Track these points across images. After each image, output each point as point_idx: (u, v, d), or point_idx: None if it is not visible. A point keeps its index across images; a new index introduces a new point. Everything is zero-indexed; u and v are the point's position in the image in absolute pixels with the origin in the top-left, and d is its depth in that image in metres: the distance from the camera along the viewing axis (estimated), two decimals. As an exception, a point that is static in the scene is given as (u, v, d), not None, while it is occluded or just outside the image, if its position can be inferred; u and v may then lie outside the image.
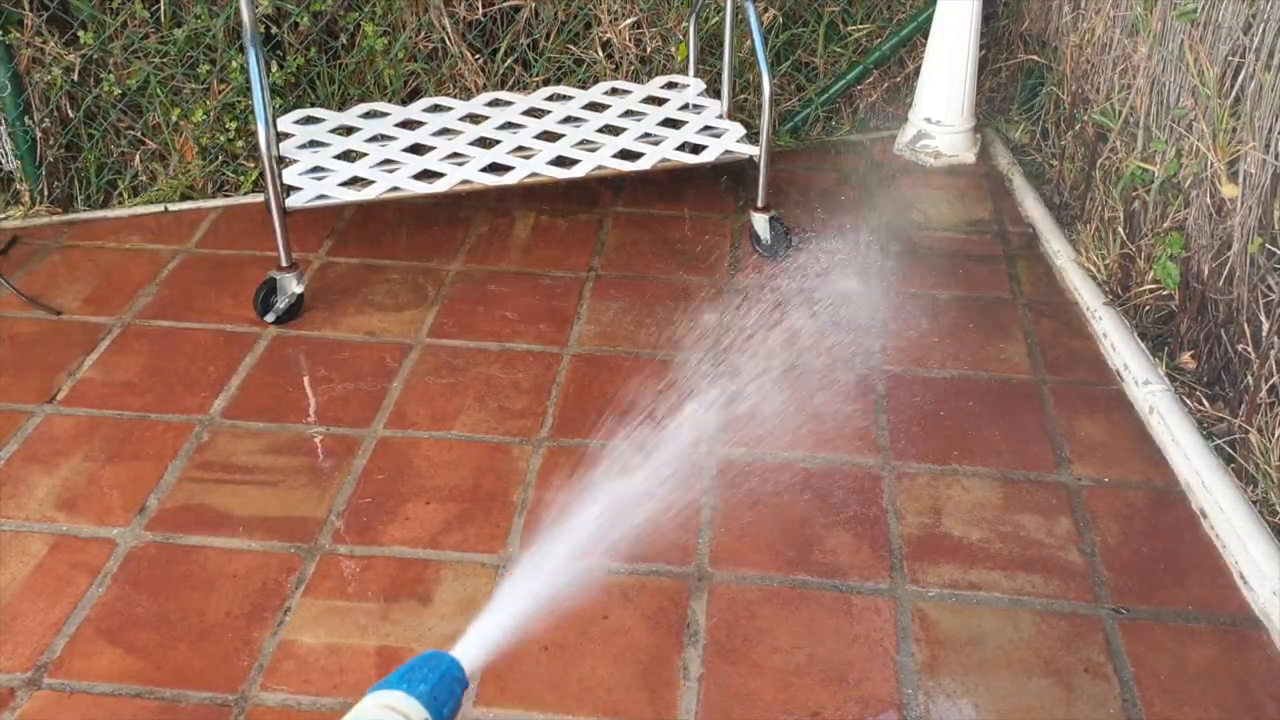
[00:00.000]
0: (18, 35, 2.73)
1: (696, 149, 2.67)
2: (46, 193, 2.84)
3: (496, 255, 2.67)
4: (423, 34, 2.96)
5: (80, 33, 2.77)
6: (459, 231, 2.76)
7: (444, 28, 2.96)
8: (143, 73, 2.82)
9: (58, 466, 2.05)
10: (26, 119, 2.78)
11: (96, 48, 2.77)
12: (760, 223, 2.67)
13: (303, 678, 1.67)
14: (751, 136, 2.73)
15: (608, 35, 3.04)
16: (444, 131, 2.73)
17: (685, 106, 2.86)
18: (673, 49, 3.08)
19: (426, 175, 2.55)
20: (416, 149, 2.66)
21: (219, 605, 1.78)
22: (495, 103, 2.85)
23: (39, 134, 2.80)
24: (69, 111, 2.83)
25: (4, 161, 2.82)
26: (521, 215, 2.83)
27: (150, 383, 2.26)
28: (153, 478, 2.03)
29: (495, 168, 2.58)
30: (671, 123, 2.80)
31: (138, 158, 2.89)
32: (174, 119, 2.86)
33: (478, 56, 3.03)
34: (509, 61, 3.05)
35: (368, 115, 2.77)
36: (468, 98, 2.94)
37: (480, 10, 2.99)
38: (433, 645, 1.72)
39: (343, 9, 2.91)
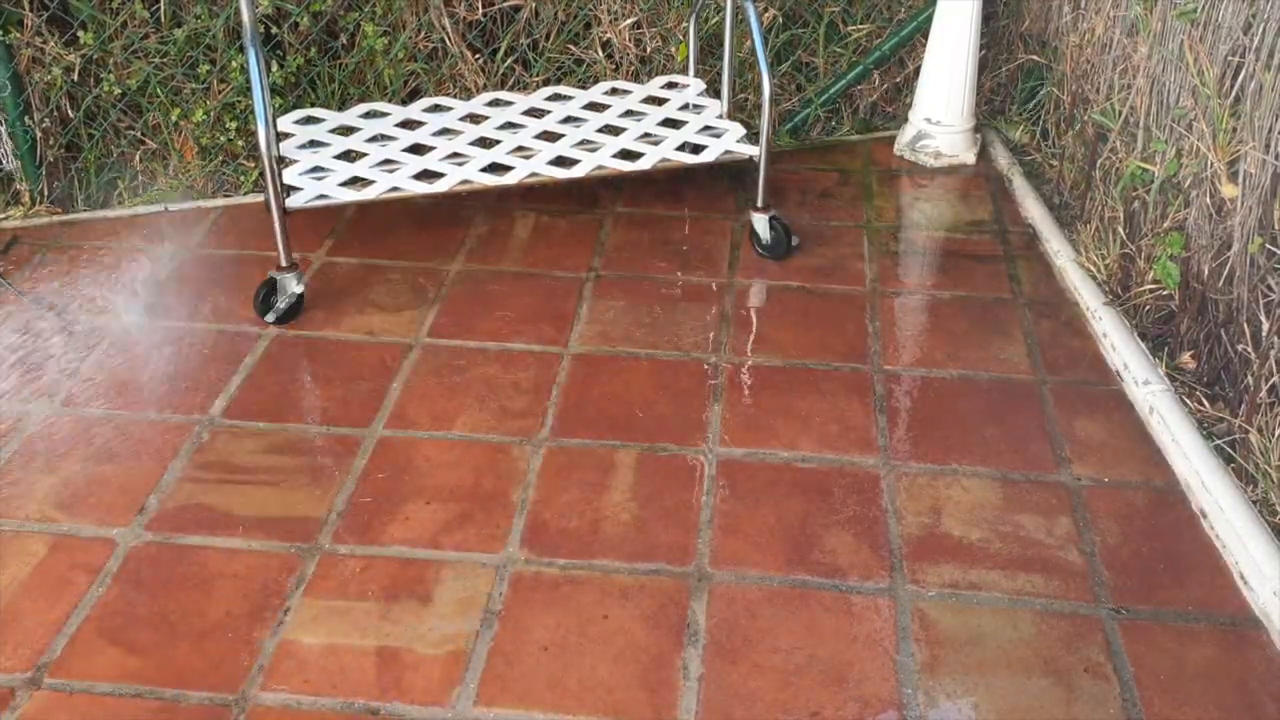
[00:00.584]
0: (18, 35, 2.73)
1: (696, 149, 2.67)
2: (46, 193, 2.84)
3: (496, 255, 2.67)
4: (423, 34, 2.96)
5: (80, 33, 2.77)
6: (459, 231, 2.76)
7: (444, 28, 2.96)
8: (143, 73, 2.82)
9: (57, 467, 2.05)
10: (26, 119, 2.78)
11: (96, 48, 2.78)
12: (760, 223, 2.67)
13: (303, 678, 1.67)
14: (751, 136, 2.73)
15: (608, 35, 3.04)
16: (444, 131, 2.73)
17: (685, 106, 2.86)
18: (673, 49, 3.08)
19: (426, 175, 2.55)
20: (416, 149, 2.66)
21: (219, 605, 1.78)
22: (495, 103, 2.85)
23: (39, 134, 2.80)
24: (69, 111, 2.84)
25: (4, 161, 2.82)
26: (521, 215, 2.83)
27: (149, 383, 2.26)
28: (152, 478, 2.03)
29: (495, 168, 2.58)
30: (671, 123, 2.80)
31: (138, 158, 2.90)
32: (174, 119, 2.86)
33: (478, 56, 3.03)
34: (509, 61, 3.05)
35: (368, 115, 2.77)
36: (468, 98, 2.94)
37: (480, 10, 2.99)
38: (433, 645, 1.72)
39: (343, 9, 2.91)
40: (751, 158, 2.65)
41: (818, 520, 1.95)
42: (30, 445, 2.10)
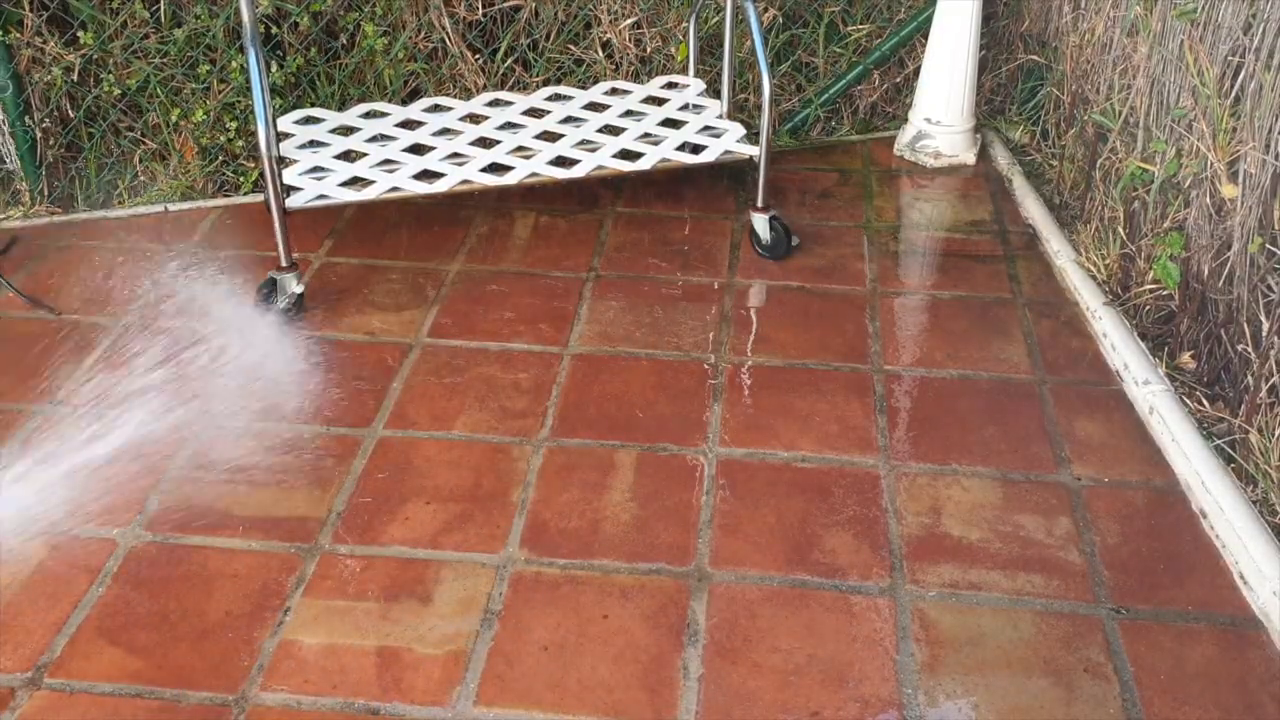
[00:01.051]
0: (18, 35, 2.73)
1: (696, 149, 2.67)
2: (47, 193, 2.84)
3: (496, 255, 2.67)
4: (423, 34, 2.96)
5: (80, 33, 2.77)
6: (459, 231, 2.76)
7: (444, 28, 2.96)
8: (143, 73, 2.82)
9: (58, 465, 2.05)
10: (26, 119, 2.78)
11: (96, 48, 2.78)
12: (760, 223, 2.67)
13: (302, 678, 1.67)
14: (751, 136, 2.73)
15: (608, 35, 3.04)
16: (444, 131, 2.73)
17: (685, 106, 2.86)
18: (673, 49, 3.08)
19: (426, 175, 2.55)
20: (416, 149, 2.66)
21: (219, 605, 1.78)
22: (495, 103, 2.85)
23: (39, 134, 2.80)
24: (69, 111, 2.84)
25: (7, 161, 2.81)
26: (521, 215, 2.83)
27: (150, 383, 2.26)
28: (153, 478, 2.03)
29: (495, 168, 2.58)
30: (671, 123, 2.80)
31: (138, 158, 2.90)
32: (174, 119, 2.86)
33: (478, 56, 3.03)
34: (509, 61, 3.05)
35: (368, 115, 2.77)
36: (468, 98, 2.94)
37: (480, 10, 2.99)
38: (433, 645, 1.72)
39: (343, 9, 2.91)
40: (751, 158, 2.65)
41: (818, 520, 1.95)
42: (30, 445, 2.10)
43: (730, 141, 2.68)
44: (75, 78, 2.79)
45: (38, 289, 2.53)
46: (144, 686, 1.65)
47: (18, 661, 1.69)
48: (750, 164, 2.67)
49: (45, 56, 2.76)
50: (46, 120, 2.81)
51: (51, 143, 2.83)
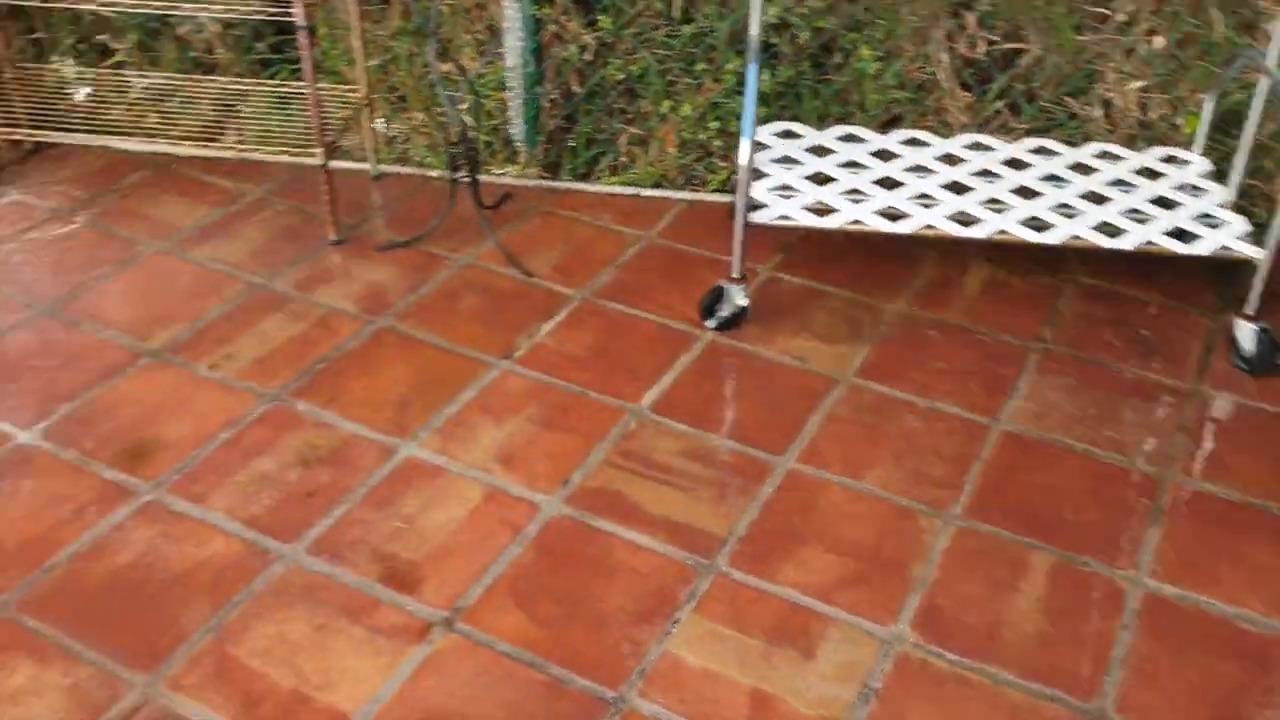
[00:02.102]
0: (548, 11, 2.96)
1: (1186, 235, 2.43)
2: (540, 158, 3.09)
3: (941, 303, 2.59)
4: (917, 64, 2.91)
5: (600, 16, 2.97)
6: (906, 271, 2.70)
7: (940, 61, 2.89)
8: (645, 62, 2.98)
9: (504, 421, 2.23)
10: (537, 88, 3.03)
11: (612, 32, 2.96)
12: (1245, 332, 2.40)
13: (678, 695, 1.71)
14: (1256, 234, 2.45)
15: (1111, 95, 2.84)
16: (917, 168, 2.67)
17: (1183, 186, 2.62)
18: (1180, 119, 2.82)
19: (890, 212, 2.51)
20: (886, 182, 2.62)
21: (615, 596, 1.87)
22: (975, 145, 2.74)
23: (545, 104, 3.04)
24: (574, 88, 3.05)
25: (511, 125, 3.09)
26: (975, 265, 2.72)
27: (594, 361, 2.40)
28: (580, 454, 2.16)
29: (963, 216, 2.49)
30: (1164, 201, 2.57)
31: (624, 140, 3.07)
32: (663, 109, 3.00)
33: (967, 93, 2.94)
34: (998, 104, 2.93)
35: (845, 139, 2.76)
36: (948, 134, 2.86)
37: (982, 48, 2.89)
38: (808, 704, 1.71)
39: (845, 28, 2.91)
40: (1250, 259, 2.38)
41: (1252, 697, 1.73)
42: (485, 395, 2.30)
43: (1229, 236, 2.42)
44: (588, 58, 3.00)
45: (517, 249, 2.76)
46: (538, 658, 1.77)
47: (440, 599, 1.86)
48: (1246, 263, 2.40)
49: (566, 34, 2.99)
50: (555, 93, 3.04)
51: (554, 113, 3.06)
